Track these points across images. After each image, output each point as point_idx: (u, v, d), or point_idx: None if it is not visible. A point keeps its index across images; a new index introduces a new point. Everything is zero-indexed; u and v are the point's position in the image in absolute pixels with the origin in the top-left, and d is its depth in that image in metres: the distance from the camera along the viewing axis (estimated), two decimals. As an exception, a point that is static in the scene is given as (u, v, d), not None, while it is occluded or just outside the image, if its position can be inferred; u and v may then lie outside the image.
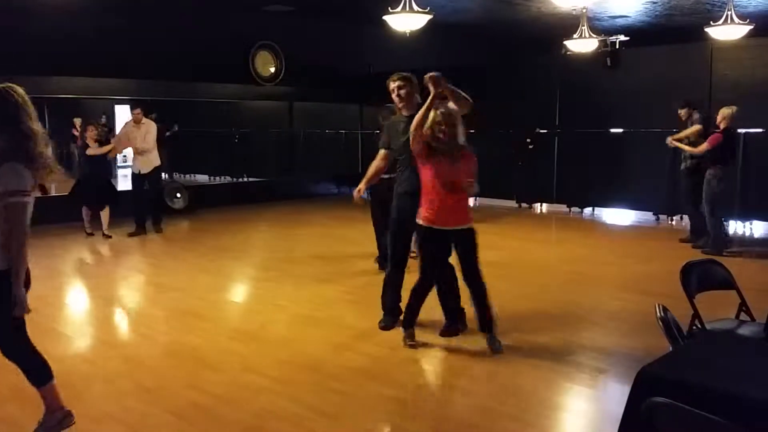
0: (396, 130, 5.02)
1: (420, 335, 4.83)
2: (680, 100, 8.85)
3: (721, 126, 7.94)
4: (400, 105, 5.07)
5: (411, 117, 4.71)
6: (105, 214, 9.17)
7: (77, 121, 14.43)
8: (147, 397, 3.94)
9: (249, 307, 6.37)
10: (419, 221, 4.63)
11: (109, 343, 5.15)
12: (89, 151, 9.05)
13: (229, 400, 3.86)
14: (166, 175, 11.77)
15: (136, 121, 9.39)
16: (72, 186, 9.31)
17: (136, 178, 9.53)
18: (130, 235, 9.34)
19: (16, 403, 3.82)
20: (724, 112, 7.97)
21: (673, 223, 10.56)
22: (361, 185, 5.24)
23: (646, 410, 2.16)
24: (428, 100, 4.49)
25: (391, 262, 5.09)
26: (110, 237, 9.14)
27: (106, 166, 9.62)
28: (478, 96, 4.76)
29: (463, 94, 4.56)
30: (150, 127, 9.43)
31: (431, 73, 4.47)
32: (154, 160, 9.47)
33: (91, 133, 9.06)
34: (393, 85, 5.01)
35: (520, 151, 12.13)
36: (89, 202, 9.23)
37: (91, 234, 9.28)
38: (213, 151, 15.45)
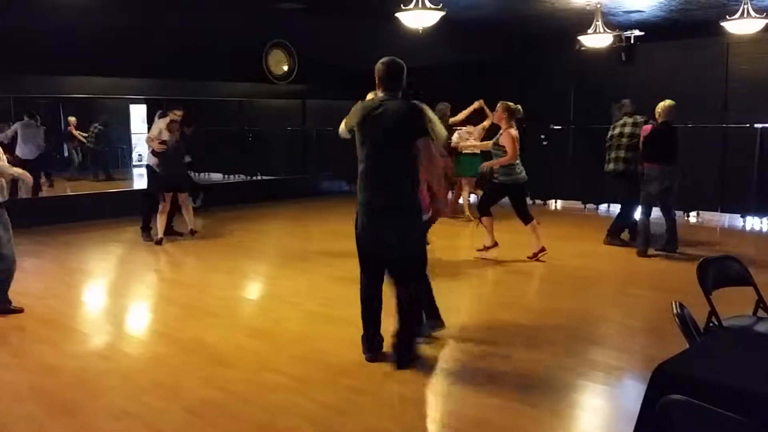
0: None
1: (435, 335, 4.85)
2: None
3: (659, 120, 7.60)
4: None
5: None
6: (189, 210, 9.02)
7: (72, 120, 14.69)
8: (163, 393, 3.97)
9: (264, 304, 6.40)
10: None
11: (125, 340, 5.20)
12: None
13: (244, 397, 3.88)
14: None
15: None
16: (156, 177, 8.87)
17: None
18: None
19: (35, 402, 3.87)
20: (661, 106, 7.60)
21: (688, 219, 10.48)
22: None
23: (663, 408, 2.15)
24: None
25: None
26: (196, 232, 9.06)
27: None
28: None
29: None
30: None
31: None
32: None
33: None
34: None
35: (533, 147, 12.06)
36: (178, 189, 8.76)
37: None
38: (227, 149, 15.51)
